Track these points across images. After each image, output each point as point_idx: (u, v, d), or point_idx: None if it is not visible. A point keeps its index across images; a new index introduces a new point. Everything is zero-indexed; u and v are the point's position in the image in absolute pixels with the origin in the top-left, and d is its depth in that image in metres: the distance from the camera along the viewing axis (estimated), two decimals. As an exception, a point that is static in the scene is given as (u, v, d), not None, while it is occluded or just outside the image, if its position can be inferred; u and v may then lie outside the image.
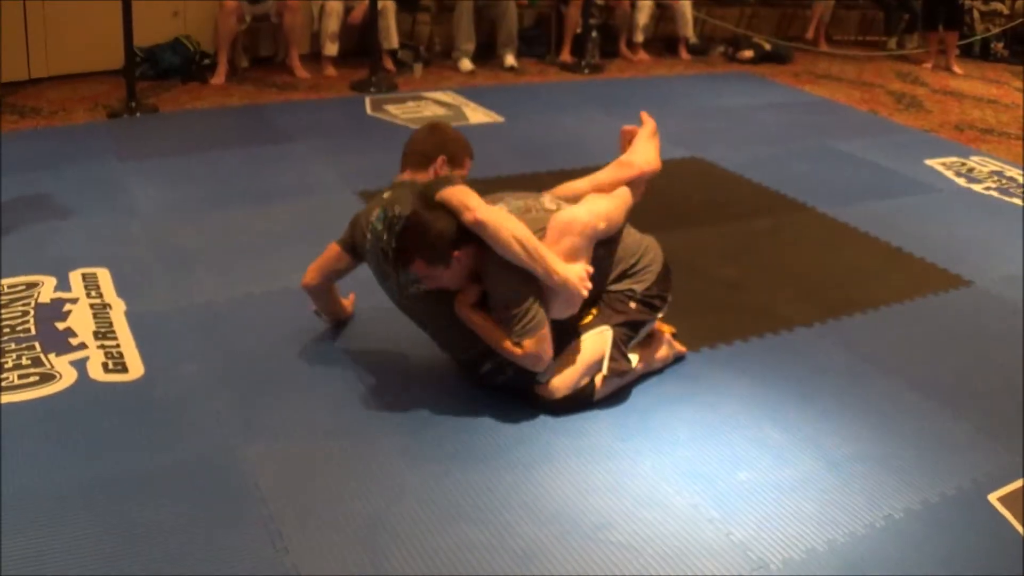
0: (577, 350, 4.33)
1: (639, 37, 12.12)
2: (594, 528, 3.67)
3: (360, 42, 10.84)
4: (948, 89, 11.75)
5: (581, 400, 4.36)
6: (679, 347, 4.88)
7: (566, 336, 4.35)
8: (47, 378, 4.53)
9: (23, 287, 5.34)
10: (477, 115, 9.08)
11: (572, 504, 3.80)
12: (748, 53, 12.28)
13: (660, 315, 4.62)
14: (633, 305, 4.44)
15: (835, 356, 5.03)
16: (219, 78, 10.01)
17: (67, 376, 4.54)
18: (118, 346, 4.81)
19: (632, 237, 4.62)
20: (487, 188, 6.91)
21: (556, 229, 4.25)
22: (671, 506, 3.81)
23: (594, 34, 11.44)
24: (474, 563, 3.48)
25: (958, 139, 9.34)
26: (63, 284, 5.39)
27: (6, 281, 5.39)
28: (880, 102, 10.74)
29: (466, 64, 11.03)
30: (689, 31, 12.42)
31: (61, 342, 4.84)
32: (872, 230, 6.62)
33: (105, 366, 4.63)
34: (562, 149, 8.10)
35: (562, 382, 4.31)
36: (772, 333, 5.21)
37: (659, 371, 4.74)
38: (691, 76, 11.53)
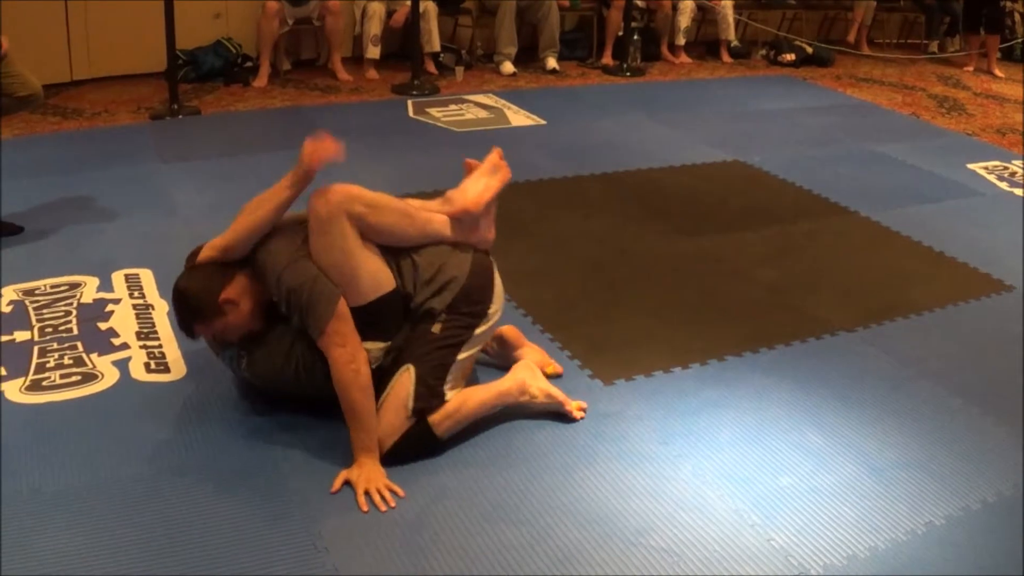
0: (387, 396, 4.07)
1: (681, 40, 12.10)
2: (634, 532, 3.67)
3: (402, 45, 10.89)
4: (989, 92, 11.70)
5: (422, 444, 4.10)
6: (556, 394, 4.44)
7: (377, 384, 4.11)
8: (89, 378, 4.57)
9: (66, 287, 5.39)
10: (519, 118, 9.09)
11: (612, 508, 3.81)
12: (790, 56, 12.25)
13: (480, 330, 4.27)
14: (437, 328, 4.16)
15: (876, 360, 5.01)
16: (261, 80, 10.07)
17: (109, 376, 4.58)
18: (160, 346, 4.85)
19: (432, 251, 4.28)
20: (528, 190, 6.94)
21: (313, 212, 4.05)
22: (712, 511, 3.81)
23: (636, 37, 11.43)
24: (513, 564, 3.50)
25: (1000, 143, 9.29)
26: (105, 285, 5.44)
27: (48, 281, 5.44)
28: (922, 105, 10.70)
29: (508, 67, 11.04)
30: (731, 34, 12.41)
31: (103, 342, 4.88)
32: (914, 234, 6.61)
33: (147, 366, 4.68)
34: (603, 152, 8.12)
35: (383, 432, 4.03)
36: (814, 337, 5.20)
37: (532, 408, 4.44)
38: (732, 79, 11.51)
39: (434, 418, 4.07)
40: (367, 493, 3.82)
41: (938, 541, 3.72)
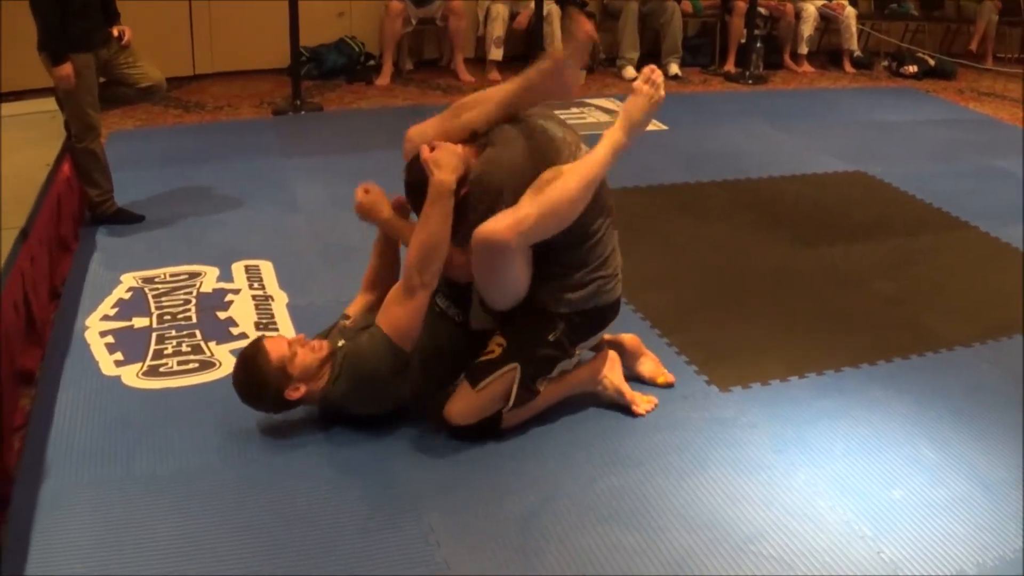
0: (484, 387, 4.13)
1: (803, 49, 12.02)
2: (745, 539, 3.70)
3: (525, 47, 10.91)
4: (1112, 110, 11.54)
5: (486, 429, 4.21)
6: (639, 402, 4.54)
7: (465, 364, 4.26)
8: (207, 365, 4.69)
9: (186, 276, 5.52)
10: (639, 123, 9.09)
11: (724, 513, 3.84)
12: (912, 68, 12.13)
13: (586, 345, 4.39)
14: (552, 336, 4.20)
15: (993, 377, 4.99)
16: (384, 79, 10.21)
17: (227, 364, 4.69)
18: (280, 337, 4.94)
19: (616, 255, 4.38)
20: (649, 195, 6.96)
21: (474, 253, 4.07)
22: (823, 521, 3.82)
23: (758, 45, 11.40)
24: (624, 566, 3.55)
25: (1122, 161, 9.17)
26: (225, 275, 5.57)
27: (168, 269, 5.58)
28: (1044, 121, 10.58)
29: (630, 72, 11.04)
30: (853, 44, 12.31)
31: (222, 331, 5.01)
32: (1033, 251, 6.55)
33: (266, 356, 4.76)
34: (725, 159, 8.14)
35: (463, 414, 4.16)
36: (931, 351, 5.18)
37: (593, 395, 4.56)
38: (855, 89, 11.42)
39: (507, 410, 4.18)
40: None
41: (1048, 561, 3.70)
